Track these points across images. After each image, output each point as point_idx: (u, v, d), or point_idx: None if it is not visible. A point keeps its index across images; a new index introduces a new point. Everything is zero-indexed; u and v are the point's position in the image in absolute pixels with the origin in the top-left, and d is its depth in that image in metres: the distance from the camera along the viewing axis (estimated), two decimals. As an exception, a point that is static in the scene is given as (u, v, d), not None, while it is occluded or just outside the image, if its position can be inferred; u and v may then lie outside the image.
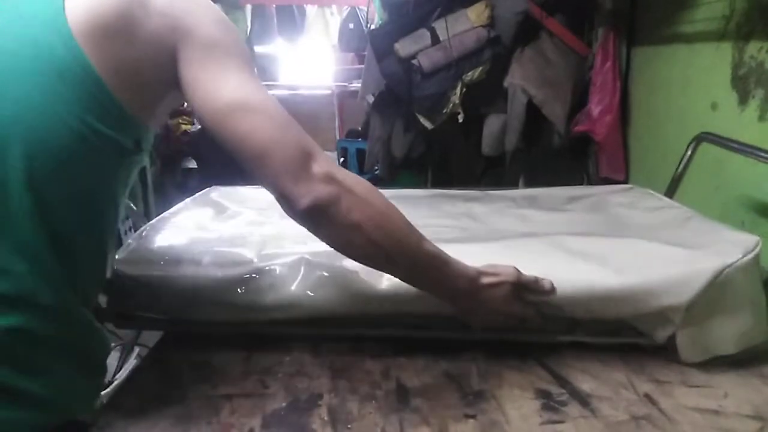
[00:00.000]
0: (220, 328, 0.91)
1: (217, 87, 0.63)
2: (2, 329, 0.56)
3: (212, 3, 0.68)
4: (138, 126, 0.66)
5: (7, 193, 0.57)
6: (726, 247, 0.81)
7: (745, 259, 0.78)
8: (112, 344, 0.91)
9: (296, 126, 0.65)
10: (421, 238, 0.72)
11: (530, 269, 0.80)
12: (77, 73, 0.58)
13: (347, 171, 0.68)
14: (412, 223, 0.72)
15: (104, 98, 0.60)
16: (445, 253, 0.74)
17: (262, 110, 0.63)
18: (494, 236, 1.00)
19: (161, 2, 0.64)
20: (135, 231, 1.05)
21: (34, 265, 0.58)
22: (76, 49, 0.58)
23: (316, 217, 0.64)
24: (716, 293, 0.78)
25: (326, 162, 0.65)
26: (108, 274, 0.79)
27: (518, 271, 0.78)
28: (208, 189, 1.38)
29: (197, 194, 1.33)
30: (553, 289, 0.79)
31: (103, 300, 0.86)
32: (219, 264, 0.88)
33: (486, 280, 0.76)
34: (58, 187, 0.59)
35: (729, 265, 0.77)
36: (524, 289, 0.78)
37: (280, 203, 0.65)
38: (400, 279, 0.76)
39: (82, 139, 0.60)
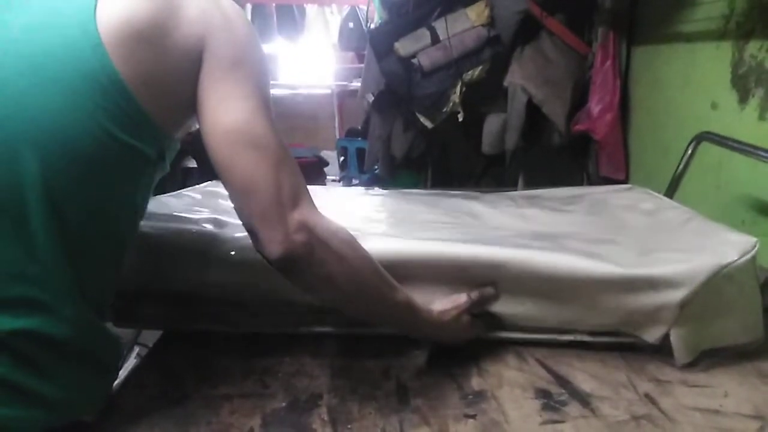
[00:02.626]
0: (221, 328, 0.90)
1: (224, 110, 0.62)
2: (15, 331, 0.56)
3: (244, 16, 0.67)
4: (163, 136, 0.65)
5: (23, 196, 0.56)
6: (724, 248, 0.81)
7: (742, 260, 0.79)
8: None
9: (290, 167, 0.64)
10: (392, 289, 0.73)
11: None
12: (103, 81, 0.58)
13: (329, 220, 0.66)
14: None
15: (130, 107, 0.59)
16: (413, 300, 0.75)
17: (258, 145, 0.62)
18: (493, 238, 0.99)
19: (192, 11, 0.63)
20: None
21: (48, 270, 0.58)
22: (104, 57, 0.58)
23: (287, 267, 0.63)
24: (712, 292, 0.78)
25: (308, 210, 0.63)
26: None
27: (468, 296, 0.81)
28: (207, 183, 1.38)
29: (196, 186, 1.34)
30: (496, 293, 0.84)
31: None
32: (212, 223, 0.90)
33: (447, 317, 0.80)
34: (76, 193, 0.59)
35: (726, 265, 0.78)
36: (476, 306, 0.83)
37: (254, 244, 0.64)
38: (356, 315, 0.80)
39: (104, 146, 0.59)
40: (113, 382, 0.72)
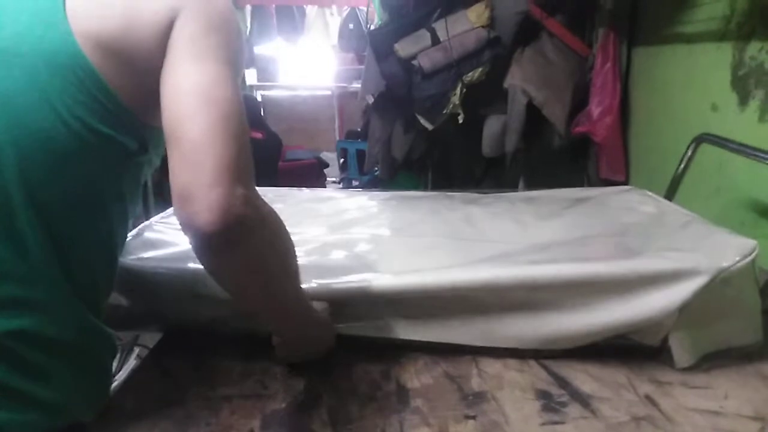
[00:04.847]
0: (221, 328, 0.90)
1: (197, 69, 0.59)
2: (5, 332, 0.55)
3: None
4: (142, 126, 0.64)
5: (5, 193, 0.55)
6: (723, 251, 0.81)
7: (742, 263, 0.79)
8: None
9: (247, 145, 0.59)
10: (299, 275, 0.73)
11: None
12: (76, 71, 0.57)
13: (265, 202, 0.63)
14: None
15: (104, 97, 0.59)
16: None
17: (225, 108, 0.58)
18: (488, 254, 0.98)
19: None
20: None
21: (37, 268, 0.57)
22: (73, 47, 0.57)
23: (223, 239, 0.56)
24: (712, 296, 0.78)
25: (254, 189, 0.59)
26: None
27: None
28: None
29: None
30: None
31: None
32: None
33: (318, 316, 0.80)
34: (56, 188, 0.58)
35: (725, 269, 0.78)
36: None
37: (185, 211, 0.55)
38: (251, 308, 0.74)
39: (80, 138, 0.58)
40: (110, 382, 0.71)
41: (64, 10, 0.58)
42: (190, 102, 0.57)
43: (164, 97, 0.59)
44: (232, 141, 0.57)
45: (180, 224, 0.57)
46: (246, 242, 0.58)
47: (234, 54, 0.62)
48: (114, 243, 0.68)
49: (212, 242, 0.56)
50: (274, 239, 0.64)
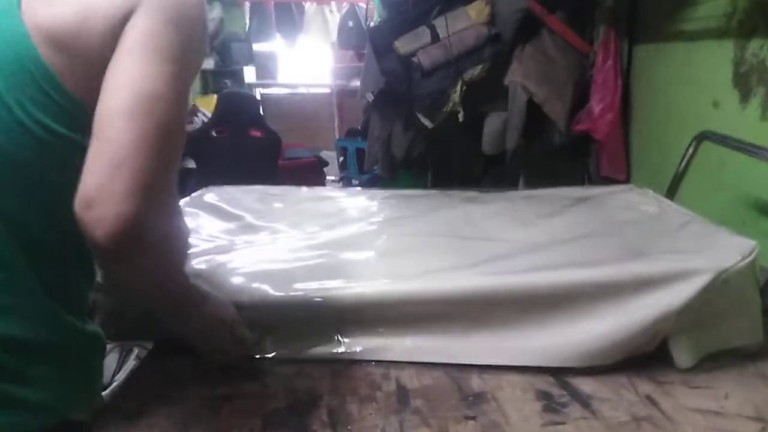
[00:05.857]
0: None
1: (129, 71, 0.56)
2: None
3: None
4: None
5: None
6: (723, 252, 0.81)
7: (742, 264, 0.79)
8: (113, 345, 0.91)
9: (176, 151, 0.58)
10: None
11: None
12: (28, 67, 0.55)
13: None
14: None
15: (57, 94, 0.56)
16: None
17: (158, 111, 0.55)
18: (487, 253, 0.97)
19: None
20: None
21: (7, 273, 0.56)
22: (26, 41, 0.55)
23: (116, 253, 0.54)
24: (712, 297, 0.78)
25: (167, 204, 0.58)
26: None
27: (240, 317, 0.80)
28: (203, 190, 1.37)
29: (192, 195, 1.33)
30: (256, 343, 0.83)
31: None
32: (206, 273, 0.89)
33: (220, 312, 0.77)
34: (21, 192, 0.56)
35: (725, 270, 0.78)
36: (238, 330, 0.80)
37: (82, 213, 0.54)
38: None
39: (39, 140, 0.56)
40: (100, 380, 0.70)
41: (19, 3, 0.56)
42: (124, 101, 0.54)
43: (103, 89, 0.56)
44: (157, 154, 0.55)
45: (77, 221, 0.54)
46: (136, 262, 0.58)
47: (188, 53, 0.59)
48: (83, 241, 0.64)
49: (103, 252, 0.55)
50: (164, 258, 0.63)
